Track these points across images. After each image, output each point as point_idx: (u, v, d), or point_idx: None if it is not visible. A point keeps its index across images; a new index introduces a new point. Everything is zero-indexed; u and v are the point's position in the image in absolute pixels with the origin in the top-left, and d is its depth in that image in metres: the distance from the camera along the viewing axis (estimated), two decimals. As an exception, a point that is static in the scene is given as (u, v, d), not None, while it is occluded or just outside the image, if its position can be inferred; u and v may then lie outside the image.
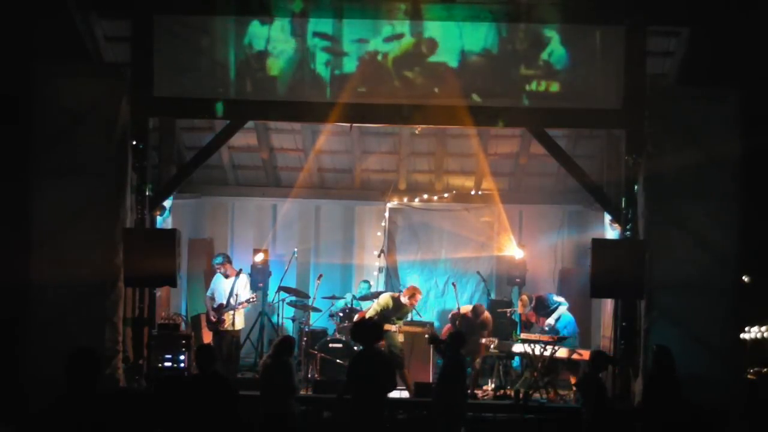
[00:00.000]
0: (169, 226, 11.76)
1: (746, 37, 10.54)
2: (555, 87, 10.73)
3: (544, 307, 11.72)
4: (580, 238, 13.55)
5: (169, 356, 10.74)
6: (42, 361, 9.35)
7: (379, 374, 7.98)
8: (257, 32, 10.74)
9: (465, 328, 11.23)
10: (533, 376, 11.02)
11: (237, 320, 11.59)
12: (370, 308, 11.46)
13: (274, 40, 10.75)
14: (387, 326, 10.85)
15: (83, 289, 9.89)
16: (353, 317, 12.22)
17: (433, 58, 10.72)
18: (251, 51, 10.74)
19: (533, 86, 10.74)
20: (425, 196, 14.36)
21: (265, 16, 10.71)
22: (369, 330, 8.36)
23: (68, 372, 5.48)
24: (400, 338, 11.21)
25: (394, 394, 10.52)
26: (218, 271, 11.83)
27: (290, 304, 12.90)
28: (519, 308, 12.09)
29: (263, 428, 8.58)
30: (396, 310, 11.22)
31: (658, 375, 8.40)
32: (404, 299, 11.21)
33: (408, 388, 10.89)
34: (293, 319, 12.88)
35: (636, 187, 10.58)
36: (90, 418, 5.41)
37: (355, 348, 10.68)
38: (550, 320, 11.55)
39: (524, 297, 12.13)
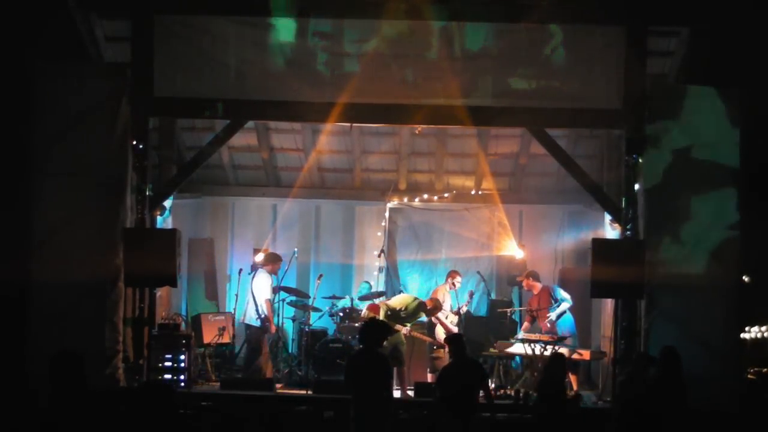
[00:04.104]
0: (170, 226, 11.75)
1: (746, 36, 10.56)
2: (555, 87, 10.72)
3: (548, 296, 11.74)
4: (580, 238, 13.54)
5: (169, 356, 10.72)
6: (42, 362, 9.31)
7: (378, 372, 7.96)
8: (257, 32, 10.73)
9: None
10: (533, 376, 11.03)
11: None
12: (391, 300, 11.73)
13: (274, 39, 10.75)
14: (398, 327, 11.21)
15: (83, 289, 9.88)
16: (353, 317, 12.26)
17: (433, 58, 10.71)
18: (251, 50, 10.74)
19: (533, 86, 10.73)
20: (425, 196, 14.35)
21: (265, 16, 10.72)
22: (377, 330, 8.31)
23: (51, 375, 5.47)
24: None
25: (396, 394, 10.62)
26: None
27: (290, 304, 12.90)
28: (523, 280, 12.11)
29: None
30: (412, 314, 11.44)
31: (663, 377, 8.38)
32: (426, 308, 11.54)
33: (404, 388, 10.91)
34: (293, 319, 12.88)
35: (636, 187, 10.58)
36: (78, 420, 5.41)
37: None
38: (552, 316, 11.57)
39: (527, 271, 12.23)
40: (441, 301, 11.87)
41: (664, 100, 10.42)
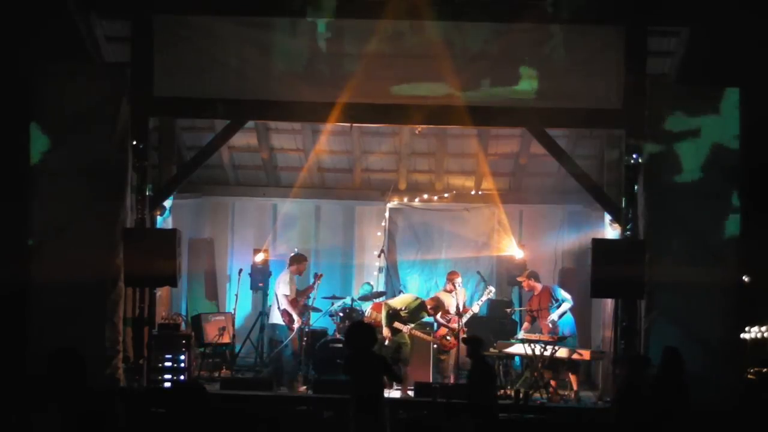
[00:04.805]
0: (170, 226, 11.76)
1: (746, 36, 10.55)
2: (555, 87, 10.72)
3: (549, 296, 11.74)
4: (580, 238, 13.54)
5: (169, 356, 10.73)
6: (43, 362, 9.31)
7: (377, 369, 7.86)
8: (257, 32, 10.73)
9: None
10: (533, 376, 11.03)
11: None
12: (392, 300, 11.81)
13: (274, 39, 10.75)
14: (398, 325, 11.35)
15: (83, 289, 9.87)
16: (353, 317, 12.26)
17: (433, 58, 10.69)
18: (251, 50, 10.74)
19: (533, 86, 10.73)
20: (425, 196, 14.37)
21: (265, 16, 10.72)
22: (364, 332, 7.94)
23: (50, 373, 5.47)
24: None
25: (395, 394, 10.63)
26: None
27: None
28: (523, 281, 12.10)
29: None
30: (413, 314, 11.50)
31: (664, 377, 8.36)
32: (427, 307, 11.57)
33: (404, 389, 10.91)
34: (293, 319, 12.88)
35: (636, 187, 10.58)
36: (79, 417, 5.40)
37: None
38: (554, 316, 11.56)
39: (527, 272, 12.22)
40: (446, 304, 11.84)
41: (664, 101, 10.41)
